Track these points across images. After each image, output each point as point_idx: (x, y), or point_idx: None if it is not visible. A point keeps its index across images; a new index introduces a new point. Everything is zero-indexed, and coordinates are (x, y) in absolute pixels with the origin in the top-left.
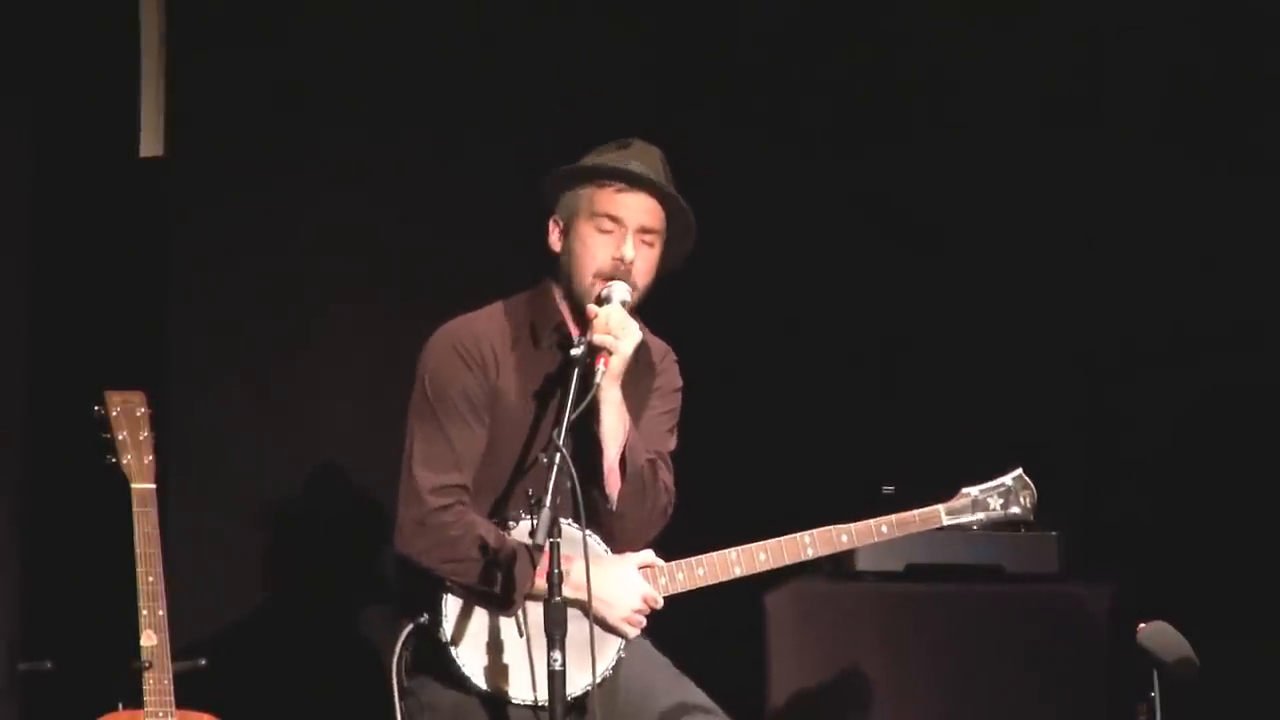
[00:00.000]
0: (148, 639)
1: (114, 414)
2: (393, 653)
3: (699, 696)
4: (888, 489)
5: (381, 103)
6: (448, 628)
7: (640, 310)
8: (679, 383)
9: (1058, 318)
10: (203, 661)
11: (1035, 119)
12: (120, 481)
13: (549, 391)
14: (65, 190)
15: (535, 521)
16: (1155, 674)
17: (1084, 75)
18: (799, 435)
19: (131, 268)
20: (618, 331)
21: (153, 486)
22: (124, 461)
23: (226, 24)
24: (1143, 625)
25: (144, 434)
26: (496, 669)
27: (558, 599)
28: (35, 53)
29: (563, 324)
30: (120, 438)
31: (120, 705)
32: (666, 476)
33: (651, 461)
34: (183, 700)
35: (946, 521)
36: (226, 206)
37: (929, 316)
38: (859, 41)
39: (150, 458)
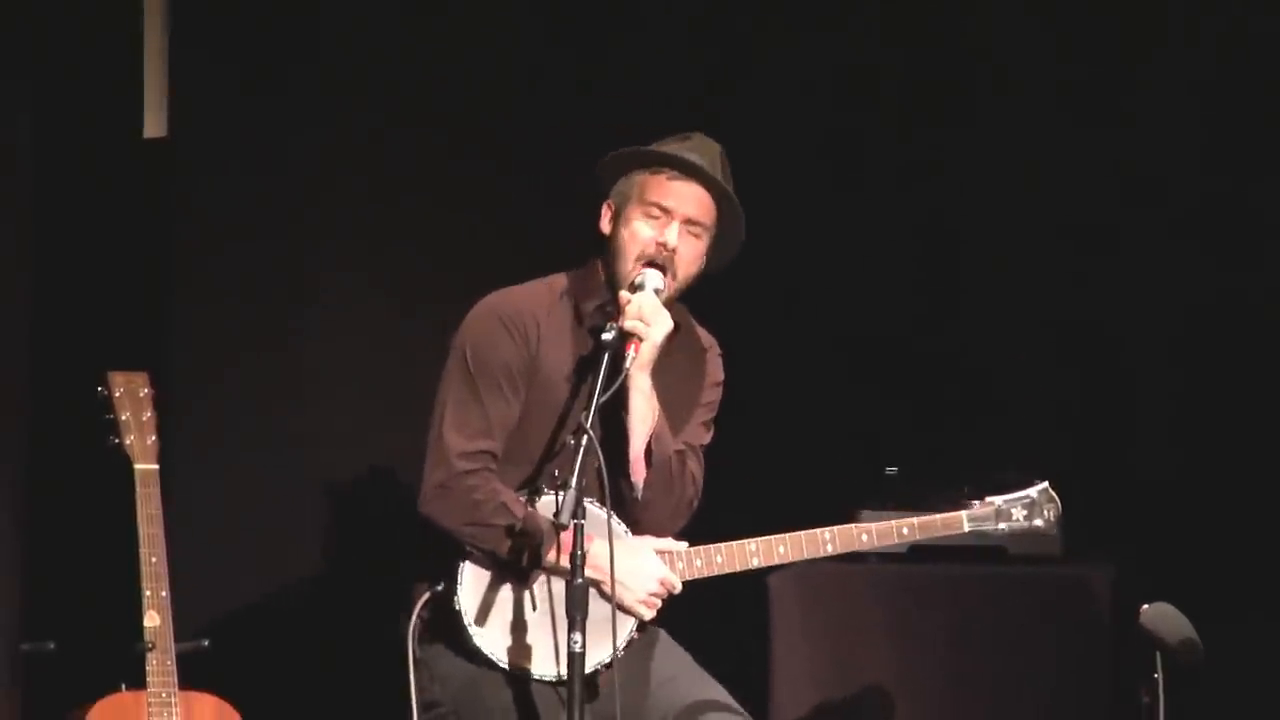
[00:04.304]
0: (151, 620)
1: (117, 395)
2: (408, 619)
3: (722, 695)
4: (891, 470)
5: (387, 84)
6: (463, 597)
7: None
8: (720, 376)
9: (1058, 301)
10: (205, 642)
11: (1043, 117)
12: (123, 462)
13: (581, 375)
14: (68, 172)
15: (561, 501)
16: (1158, 656)
17: (1093, 71)
18: (806, 418)
19: (135, 249)
20: (649, 319)
21: (155, 467)
22: (127, 442)
23: (229, 4)
24: (1145, 607)
25: (147, 415)
26: (509, 642)
27: (580, 580)
28: (38, 34)
29: (608, 303)
30: (123, 418)
31: (123, 686)
32: (695, 468)
33: (680, 452)
34: (186, 681)
35: (968, 528)
36: (229, 188)
37: (934, 301)
38: (883, 44)
39: (153, 438)
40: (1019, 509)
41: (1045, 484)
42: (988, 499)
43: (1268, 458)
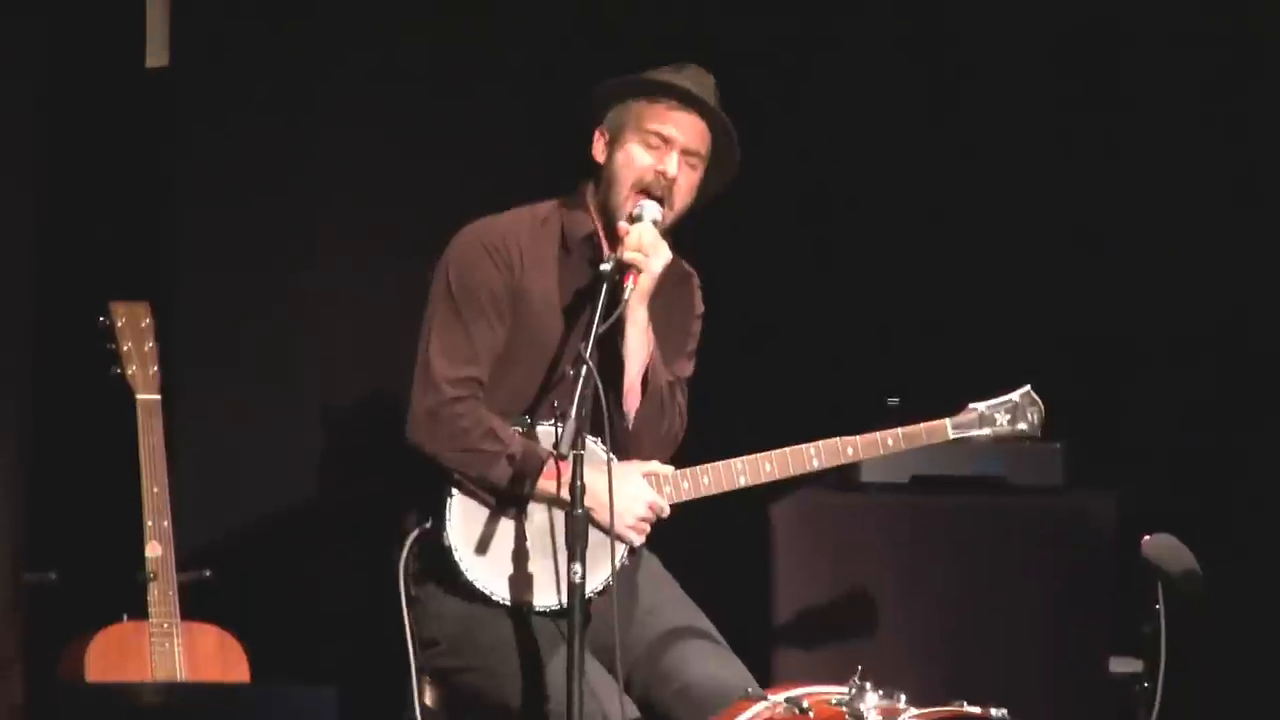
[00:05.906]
0: (152, 550)
1: (119, 325)
2: (399, 561)
3: (703, 623)
4: (892, 401)
5: (398, 15)
6: (451, 533)
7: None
8: (701, 308)
9: (1062, 232)
10: (207, 572)
11: (1053, 92)
12: (125, 393)
13: (577, 306)
14: (71, 101)
15: (560, 432)
16: (1160, 586)
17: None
18: (805, 349)
19: (138, 179)
20: (649, 250)
21: (158, 398)
22: (129, 373)
23: None
24: (1147, 538)
25: (149, 345)
26: (502, 576)
27: (580, 511)
28: None
29: (594, 234)
30: (125, 349)
31: (125, 616)
32: (681, 400)
33: (671, 383)
34: (187, 611)
35: (953, 435)
36: (233, 118)
37: (935, 231)
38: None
39: (155, 369)
40: (1002, 413)
41: (1027, 387)
42: (970, 405)
43: (1270, 389)
